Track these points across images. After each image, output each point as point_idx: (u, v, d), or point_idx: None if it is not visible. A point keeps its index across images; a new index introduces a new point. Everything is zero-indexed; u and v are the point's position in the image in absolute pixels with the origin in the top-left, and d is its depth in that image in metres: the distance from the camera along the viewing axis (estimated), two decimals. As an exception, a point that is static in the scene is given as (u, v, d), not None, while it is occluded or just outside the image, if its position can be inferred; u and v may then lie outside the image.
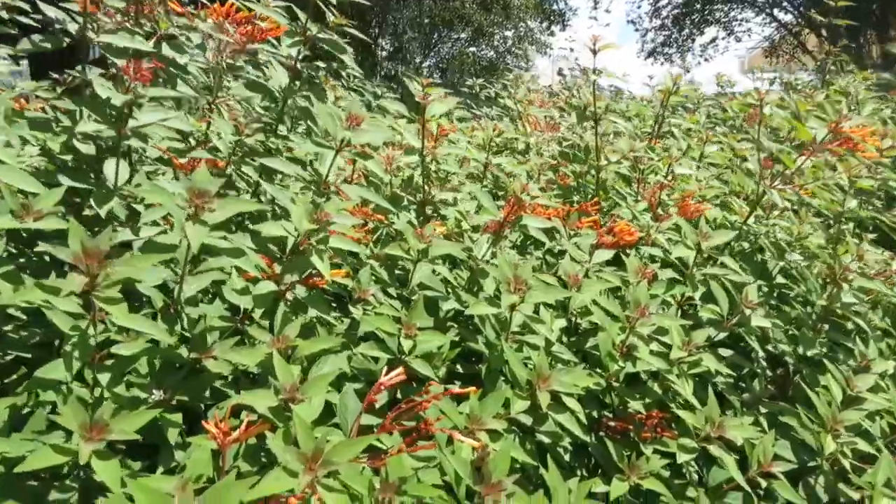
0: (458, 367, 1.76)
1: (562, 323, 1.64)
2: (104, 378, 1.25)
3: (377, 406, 1.39)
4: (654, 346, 1.59)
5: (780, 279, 2.21)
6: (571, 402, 1.42)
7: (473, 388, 1.21)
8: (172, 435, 1.28)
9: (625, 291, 1.83)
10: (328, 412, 1.31)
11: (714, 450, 1.46)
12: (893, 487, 1.49)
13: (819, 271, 2.23)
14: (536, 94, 4.41)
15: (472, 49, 16.71)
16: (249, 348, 1.32)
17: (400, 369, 1.27)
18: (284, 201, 1.57)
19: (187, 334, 1.44)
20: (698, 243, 1.78)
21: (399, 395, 1.55)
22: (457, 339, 1.74)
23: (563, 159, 2.45)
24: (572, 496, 1.31)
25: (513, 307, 1.54)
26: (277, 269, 1.49)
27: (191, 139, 1.92)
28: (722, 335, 1.78)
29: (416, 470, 1.16)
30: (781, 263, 2.23)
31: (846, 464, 1.56)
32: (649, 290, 1.66)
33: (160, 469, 1.27)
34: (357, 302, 1.63)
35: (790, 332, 2.03)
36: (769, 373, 1.96)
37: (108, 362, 1.32)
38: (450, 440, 1.26)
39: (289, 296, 1.64)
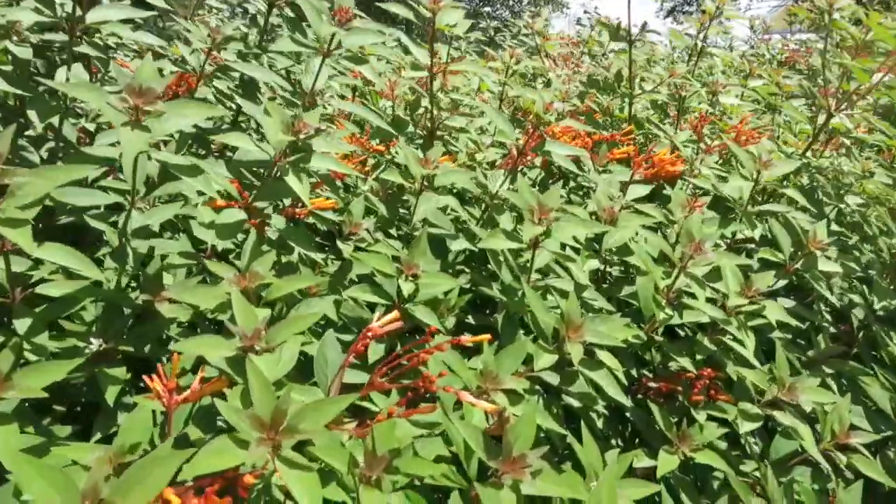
0: (470, 318, 1.49)
1: (594, 264, 1.37)
2: (22, 325, 1.00)
3: (370, 362, 1.13)
4: (708, 293, 1.31)
5: (833, 227, 1.91)
6: (608, 357, 1.15)
7: (488, 336, 0.94)
8: (112, 394, 1.03)
9: (668, 229, 1.55)
10: (308, 369, 1.05)
11: (782, 417, 1.18)
12: None
13: (880, 215, 1.93)
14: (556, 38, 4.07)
15: (487, 9, 16.17)
16: (208, 287, 1.06)
17: (395, 313, 1.00)
18: (258, 114, 1.29)
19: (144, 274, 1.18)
20: (757, 173, 1.48)
21: (399, 351, 1.30)
22: (468, 286, 1.47)
23: (590, 87, 2.14)
24: (609, 472, 1.05)
25: (536, 243, 1.26)
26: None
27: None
28: (781, 283, 1.50)
29: (415, 440, 0.90)
30: (842, 206, 1.93)
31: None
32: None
33: (96, 436, 1.02)
34: (347, 238, 1.36)
35: (853, 284, 1.75)
36: (831, 329, 1.68)
37: (39, 308, 1.07)
38: (459, 403, 1.00)
39: (272, 235, 1.37)
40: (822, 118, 1.87)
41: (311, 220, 1.47)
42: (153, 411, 0.95)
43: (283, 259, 1.43)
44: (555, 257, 1.37)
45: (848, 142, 2.15)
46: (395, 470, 0.82)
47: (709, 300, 1.29)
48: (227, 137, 1.16)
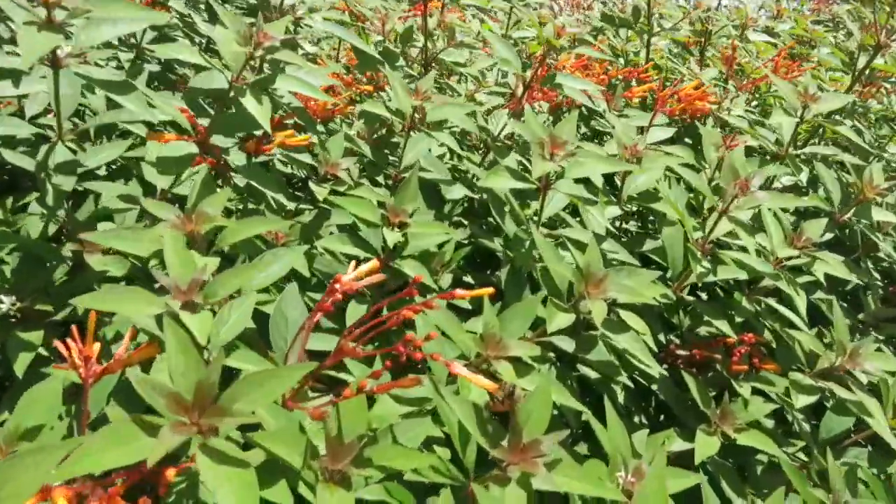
0: (468, 277, 1.29)
1: (614, 211, 1.16)
2: None
3: (349, 325, 0.93)
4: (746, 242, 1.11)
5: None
6: (633, 319, 0.94)
7: (490, 290, 0.73)
8: (23, 363, 0.83)
9: (699, 175, 1.34)
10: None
11: (840, 389, 0.99)
12: None
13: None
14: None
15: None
16: (142, 231, 0.85)
17: (374, 262, 0.80)
18: (211, 30, 1.07)
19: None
20: (802, 108, 1.26)
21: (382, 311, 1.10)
22: (466, 241, 1.27)
23: (605, 23, 1.91)
24: (656, 465, 0.85)
25: (546, 184, 1.05)
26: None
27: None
28: (827, 235, 1.29)
29: (396, 423, 0.70)
30: (885, 155, 1.72)
31: None
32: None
33: (4, 415, 0.83)
34: (323, 180, 1.15)
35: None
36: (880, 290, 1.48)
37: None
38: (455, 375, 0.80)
39: (239, 183, 1.17)
40: (862, 60, 1.64)
41: (284, 165, 1.27)
42: (69, 385, 0.75)
43: (250, 207, 1.22)
44: (569, 201, 1.17)
45: (889, 86, 1.93)
46: (367, 462, 0.62)
47: (747, 252, 1.08)
48: (167, 49, 0.94)
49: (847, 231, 1.39)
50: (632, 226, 1.53)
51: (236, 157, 1.03)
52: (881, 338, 1.35)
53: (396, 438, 0.68)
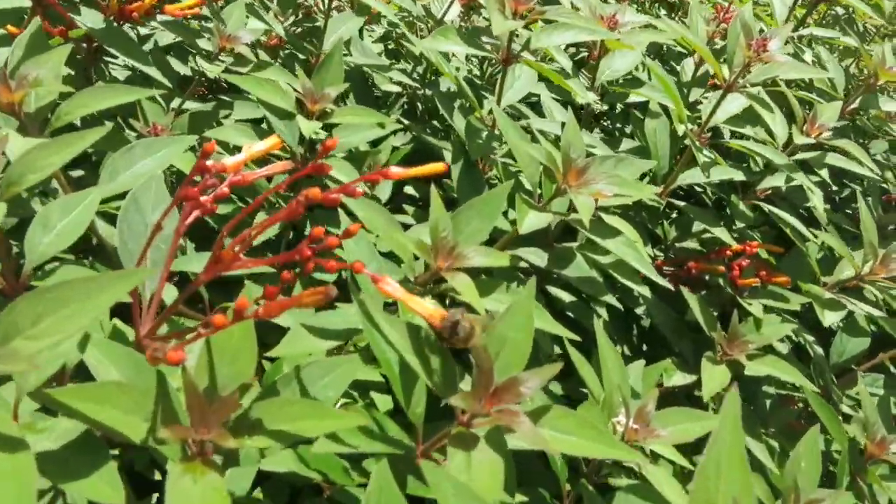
0: (410, 188, 1.06)
1: (591, 97, 0.93)
2: None
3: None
4: (750, 131, 0.90)
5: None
6: (619, 223, 0.73)
7: (440, 165, 0.50)
8: None
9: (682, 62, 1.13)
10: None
11: (864, 306, 0.81)
12: None
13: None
14: None
15: None
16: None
17: (273, 139, 0.55)
18: None
19: None
20: (807, -26, 1.05)
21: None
22: (406, 146, 1.03)
23: None
24: (637, 399, 0.66)
25: (508, 56, 0.82)
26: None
27: None
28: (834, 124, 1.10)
29: (300, 367, 0.47)
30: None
31: None
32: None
33: None
34: (217, 57, 0.88)
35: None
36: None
37: None
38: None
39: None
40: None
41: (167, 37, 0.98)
42: None
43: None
44: (531, 90, 0.94)
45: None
46: (255, 426, 0.39)
47: (756, 140, 0.88)
48: None
49: (850, 125, 1.21)
50: (596, 135, 1.32)
51: (89, 18, 0.75)
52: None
53: (305, 387, 0.45)
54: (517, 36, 0.83)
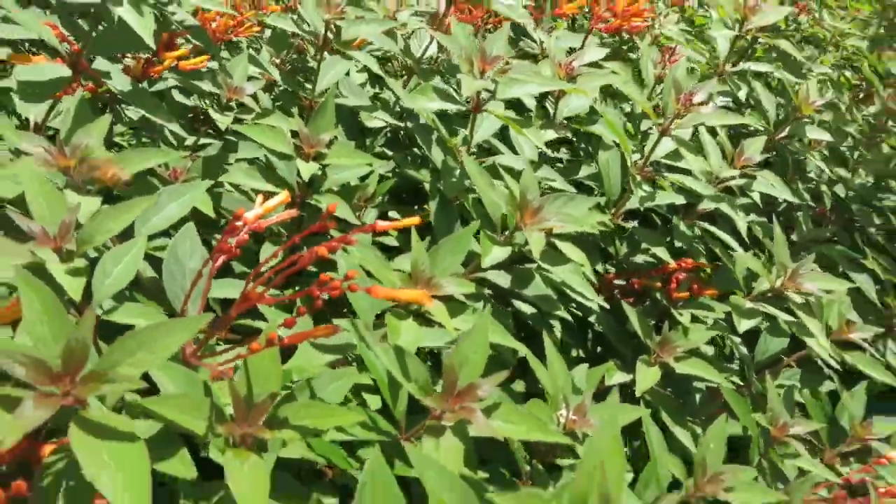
0: (394, 213, 1.20)
1: (550, 134, 1.08)
2: None
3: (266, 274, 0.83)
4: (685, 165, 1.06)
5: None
6: (570, 250, 0.88)
7: (416, 219, 0.65)
8: None
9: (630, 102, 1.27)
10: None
11: (780, 313, 0.97)
12: None
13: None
14: None
15: None
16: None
17: (284, 194, 0.70)
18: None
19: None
20: (741, 21, 1.21)
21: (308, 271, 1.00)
22: (389, 173, 1.17)
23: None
24: (579, 395, 0.81)
25: (477, 104, 0.97)
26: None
27: None
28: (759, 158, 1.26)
29: (311, 379, 0.62)
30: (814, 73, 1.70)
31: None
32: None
33: None
34: (227, 108, 1.02)
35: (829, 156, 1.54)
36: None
37: None
38: (380, 319, 0.73)
39: (133, 115, 1.03)
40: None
41: (186, 97, 1.12)
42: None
43: (144, 143, 1.09)
44: (501, 125, 1.09)
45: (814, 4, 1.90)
46: (282, 422, 0.54)
47: (688, 174, 1.03)
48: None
49: (775, 154, 1.37)
50: (563, 154, 1.47)
51: (119, 82, 0.90)
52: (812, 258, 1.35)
53: (316, 393, 0.60)
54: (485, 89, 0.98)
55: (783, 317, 0.96)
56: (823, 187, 1.45)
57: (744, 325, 0.92)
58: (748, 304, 0.97)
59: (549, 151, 1.31)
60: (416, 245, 0.72)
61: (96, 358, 0.48)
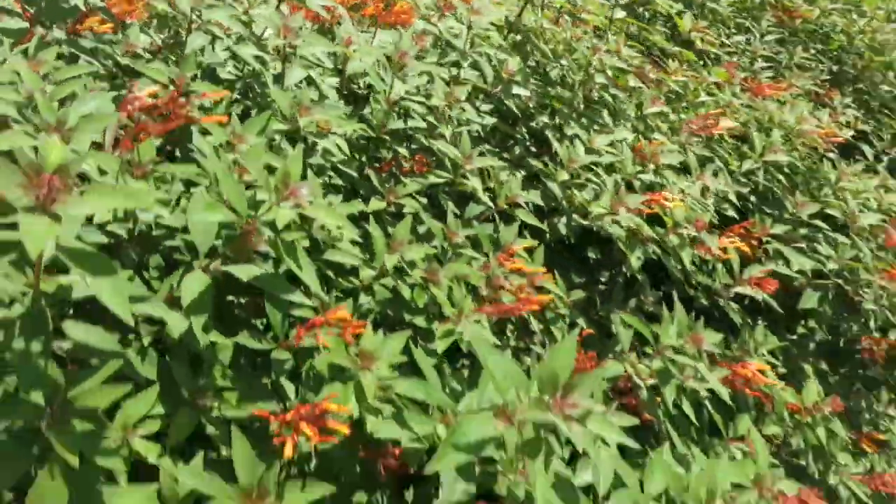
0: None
1: (333, 81, 1.75)
2: None
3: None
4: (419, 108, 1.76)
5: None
6: (337, 140, 1.55)
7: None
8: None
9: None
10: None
11: (468, 182, 1.66)
12: (614, 211, 1.78)
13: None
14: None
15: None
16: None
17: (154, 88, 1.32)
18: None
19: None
20: (469, 25, 1.93)
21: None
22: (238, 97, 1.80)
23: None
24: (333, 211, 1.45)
25: (284, 56, 1.62)
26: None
27: None
28: (486, 107, 1.97)
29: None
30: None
31: (580, 200, 1.85)
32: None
33: None
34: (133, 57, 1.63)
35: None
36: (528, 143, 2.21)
37: None
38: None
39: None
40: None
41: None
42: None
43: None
44: (306, 74, 1.74)
45: None
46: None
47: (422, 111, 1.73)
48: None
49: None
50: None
51: (58, 32, 1.50)
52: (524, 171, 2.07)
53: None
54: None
55: (466, 184, 1.65)
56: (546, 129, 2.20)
57: (436, 179, 1.62)
58: (447, 175, 1.67)
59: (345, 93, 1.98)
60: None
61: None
